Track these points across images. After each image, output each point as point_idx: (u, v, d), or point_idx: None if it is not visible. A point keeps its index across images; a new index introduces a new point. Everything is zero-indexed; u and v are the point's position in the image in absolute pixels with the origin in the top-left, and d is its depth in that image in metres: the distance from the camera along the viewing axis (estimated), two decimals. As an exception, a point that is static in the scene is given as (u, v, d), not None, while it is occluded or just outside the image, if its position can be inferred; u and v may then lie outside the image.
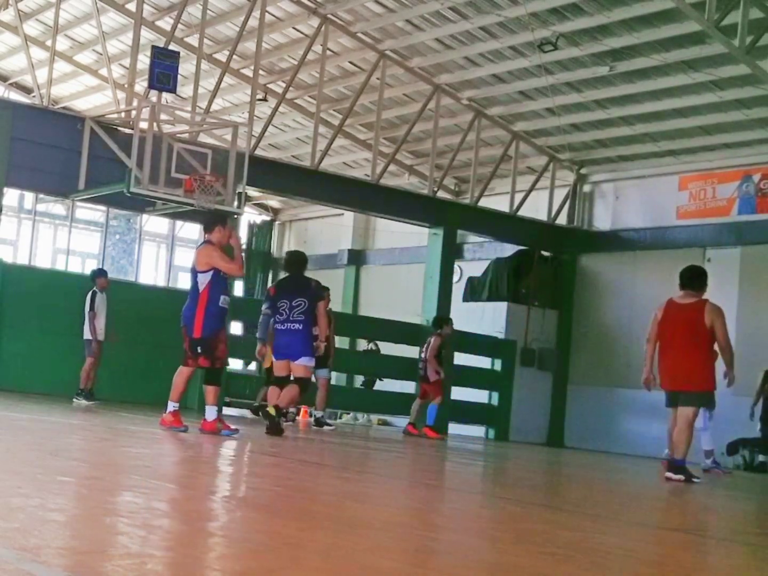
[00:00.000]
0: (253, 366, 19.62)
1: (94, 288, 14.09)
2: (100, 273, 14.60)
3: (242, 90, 19.64)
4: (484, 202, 19.27)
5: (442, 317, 16.22)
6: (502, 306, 19.21)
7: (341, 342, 20.33)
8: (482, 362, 18.57)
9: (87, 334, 14.04)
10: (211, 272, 8.97)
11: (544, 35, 15.56)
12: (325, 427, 13.91)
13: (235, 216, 16.79)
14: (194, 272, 9.07)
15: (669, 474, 9.08)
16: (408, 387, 17.44)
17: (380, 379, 19.66)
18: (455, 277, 19.98)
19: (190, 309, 8.99)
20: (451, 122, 19.47)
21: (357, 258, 23.49)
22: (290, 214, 25.47)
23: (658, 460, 16.44)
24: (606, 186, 19.87)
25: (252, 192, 20.63)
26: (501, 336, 18.88)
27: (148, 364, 15.76)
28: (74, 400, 13.89)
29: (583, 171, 20.01)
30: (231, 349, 10.29)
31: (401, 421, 16.15)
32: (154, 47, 15.44)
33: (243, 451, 8.31)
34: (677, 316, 9.05)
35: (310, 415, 15.64)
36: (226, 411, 15.54)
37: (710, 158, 17.85)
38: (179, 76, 15.73)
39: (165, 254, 22.64)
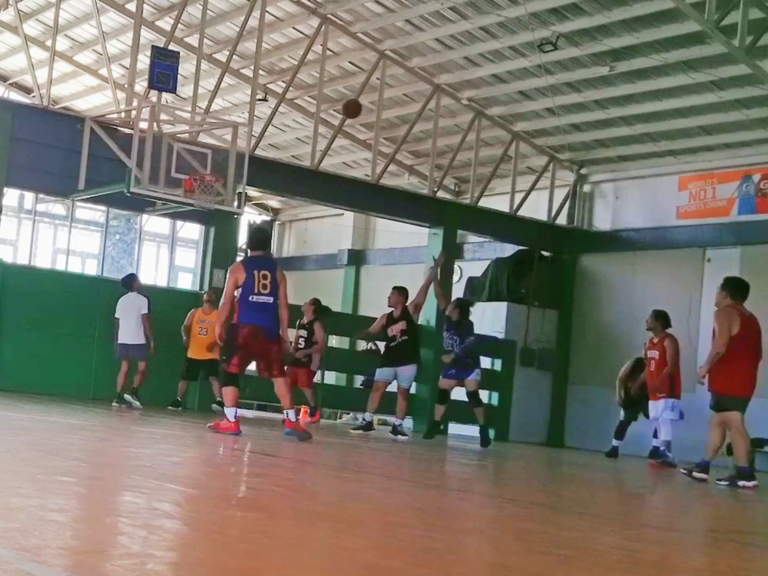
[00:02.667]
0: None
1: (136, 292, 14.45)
2: (134, 276, 15.00)
3: (242, 90, 19.62)
4: (484, 202, 19.26)
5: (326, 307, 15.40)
6: (501, 306, 19.18)
7: (341, 342, 20.33)
8: (482, 362, 18.53)
9: (140, 339, 14.35)
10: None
11: (544, 35, 15.54)
12: (400, 437, 12.98)
13: (235, 216, 16.81)
14: (276, 287, 9.75)
15: (742, 482, 9.28)
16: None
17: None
18: (455, 277, 19.96)
19: (276, 324, 9.87)
20: (451, 122, 19.46)
21: (357, 258, 23.46)
22: (290, 214, 25.45)
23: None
24: (606, 186, 19.85)
25: (252, 192, 20.61)
26: (501, 336, 18.85)
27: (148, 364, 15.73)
28: (131, 401, 14.27)
29: (583, 171, 19.99)
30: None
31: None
32: (154, 47, 15.43)
33: (243, 451, 8.31)
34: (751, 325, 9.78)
35: (310, 415, 15.55)
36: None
37: (710, 158, 17.83)
38: (179, 76, 15.71)
39: (165, 254, 22.61)
